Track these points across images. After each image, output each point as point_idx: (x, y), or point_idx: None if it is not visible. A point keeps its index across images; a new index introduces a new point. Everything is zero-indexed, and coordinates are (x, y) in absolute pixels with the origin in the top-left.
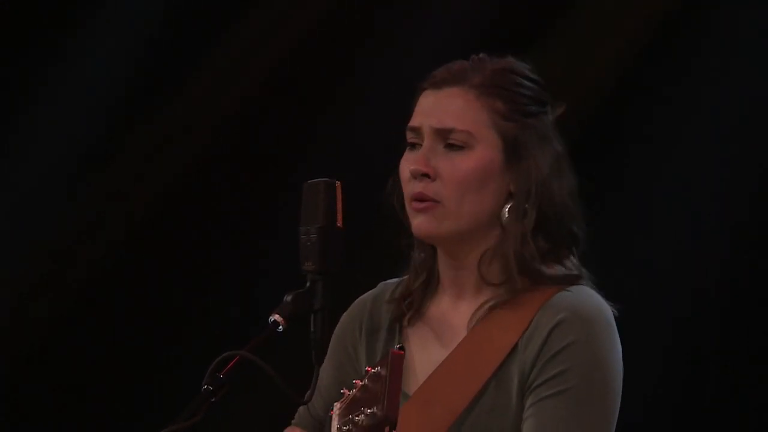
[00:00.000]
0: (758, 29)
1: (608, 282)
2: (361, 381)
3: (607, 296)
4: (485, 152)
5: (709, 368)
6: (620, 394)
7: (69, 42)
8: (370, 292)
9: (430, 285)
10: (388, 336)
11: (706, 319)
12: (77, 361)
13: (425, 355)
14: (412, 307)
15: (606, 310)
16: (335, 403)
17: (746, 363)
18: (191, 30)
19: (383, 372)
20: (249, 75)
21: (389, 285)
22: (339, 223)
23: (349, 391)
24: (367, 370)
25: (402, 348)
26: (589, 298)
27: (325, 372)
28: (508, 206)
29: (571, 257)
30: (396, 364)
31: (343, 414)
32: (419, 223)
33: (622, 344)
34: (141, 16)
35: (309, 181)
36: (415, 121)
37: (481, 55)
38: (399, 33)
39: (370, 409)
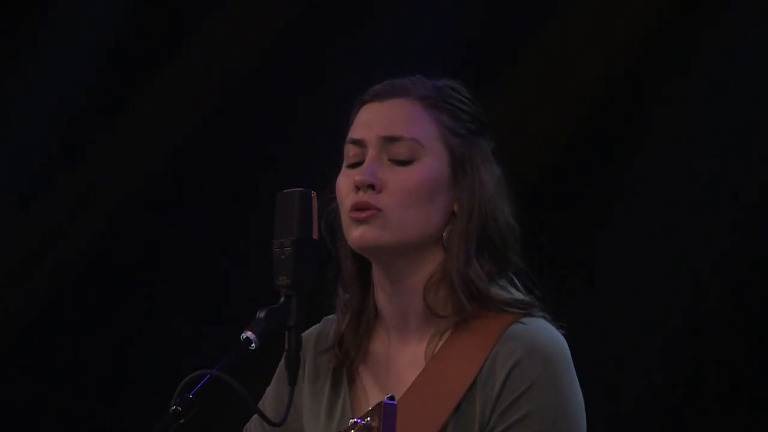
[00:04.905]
0: (746, 44)
1: (606, 288)
2: None
3: (595, 304)
4: (434, 164)
5: (707, 377)
6: (585, 427)
7: (39, 40)
8: (314, 328)
9: (361, 323)
10: (333, 380)
11: (704, 326)
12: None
13: (377, 398)
14: (350, 351)
15: (563, 344)
16: None
17: (745, 371)
18: (158, 31)
19: (374, 424)
20: (219, 78)
21: (331, 320)
22: (314, 236)
23: None
24: (356, 422)
25: (392, 397)
26: (545, 332)
27: (267, 402)
28: (451, 225)
29: (515, 280)
30: (389, 415)
31: None
32: (361, 232)
33: (622, 351)
34: (106, 17)
35: (283, 191)
36: (356, 134)
37: (417, 75)
38: (374, 45)
39: None
